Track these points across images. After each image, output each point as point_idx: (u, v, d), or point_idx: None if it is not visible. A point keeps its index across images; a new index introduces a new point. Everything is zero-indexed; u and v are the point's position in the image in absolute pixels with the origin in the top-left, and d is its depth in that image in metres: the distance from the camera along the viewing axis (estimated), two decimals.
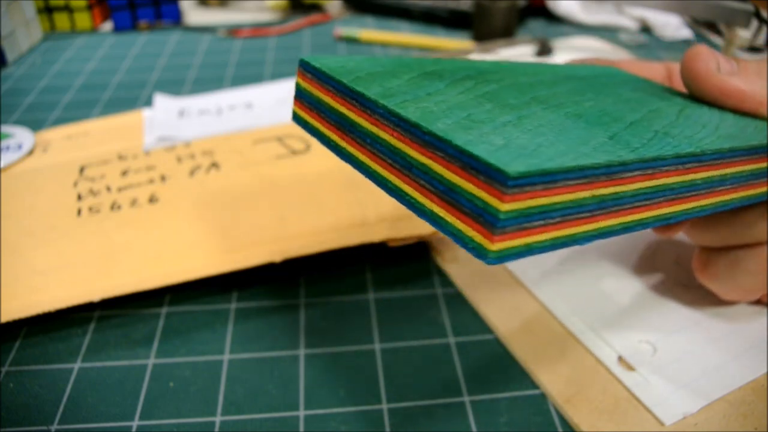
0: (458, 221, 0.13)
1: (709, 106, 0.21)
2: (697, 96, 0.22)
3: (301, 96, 0.19)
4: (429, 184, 0.14)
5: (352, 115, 0.16)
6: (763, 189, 0.20)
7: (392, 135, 0.15)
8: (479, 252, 0.13)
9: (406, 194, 0.15)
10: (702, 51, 0.21)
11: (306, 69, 0.18)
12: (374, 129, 0.15)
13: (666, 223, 0.17)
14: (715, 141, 0.17)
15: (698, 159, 0.16)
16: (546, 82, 0.20)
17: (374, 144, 0.15)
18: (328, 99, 0.17)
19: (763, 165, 0.19)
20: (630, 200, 0.15)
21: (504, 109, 0.16)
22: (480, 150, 0.13)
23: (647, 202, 0.16)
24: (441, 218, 0.14)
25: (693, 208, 0.17)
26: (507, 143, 0.14)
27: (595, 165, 0.14)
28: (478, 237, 0.13)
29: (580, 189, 0.14)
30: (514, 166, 0.12)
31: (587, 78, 0.22)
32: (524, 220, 0.13)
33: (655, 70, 0.26)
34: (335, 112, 0.17)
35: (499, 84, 0.19)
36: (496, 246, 0.13)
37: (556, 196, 0.13)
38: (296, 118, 0.19)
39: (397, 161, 0.15)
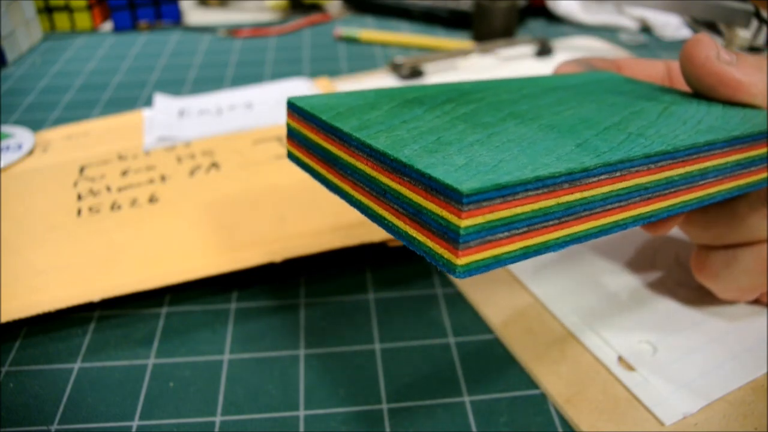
0: (428, 240, 0.14)
1: (698, 101, 0.21)
2: (693, 83, 0.22)
3: (292, 135, 0.19)
4: (401, 207, 0.15)
5: (334, 149, 0.17)
6: (754, 178, 0.19)
7: (366, 164, 0.16)
8: (448, 267, 0.14)
9: (384, 218, 0.16)
10: (703, 38, 0.21)
11: (293, 109, 0.19)
12: (352, 160, 0.16)
13: (648, 222, 0.17)
14: (691, 136, 0.17)
15: (671, 156, 0.16)
16: (530, 95, 0.21)
17: (354, 174, 0.16)
18: (313, 136, 0.18)
19: (751, 154, 0.19)
20: (601, 203, 0.15)
21: (476, 129, 0.17)
22: (438, 172, 0.13)
23: (621, 204, 0.16)
24: (414, 238, 0.15)
25: (675, 204, 0.17)
26: (468, 162, 0.14)
27: (554, 174, 0.14)
28: (446, 254, 0.14)
29: (543, 198, 0.14)
30: (468, 183, 0.13)
31: (575, 87, 0.22)
32: (487, 233, 0.13)
33: (654, 68, 0.26)
34: (320, 147, 0.18)
35: (479, 104, 0.19)
36: (462, 260, 0.13)
37: (518, 208, 0.14)
38: (290, 156, 0.20)
39: (374, 189, 0.16)
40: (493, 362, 0.24)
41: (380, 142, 0.15)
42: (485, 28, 0.56)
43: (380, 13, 0.67)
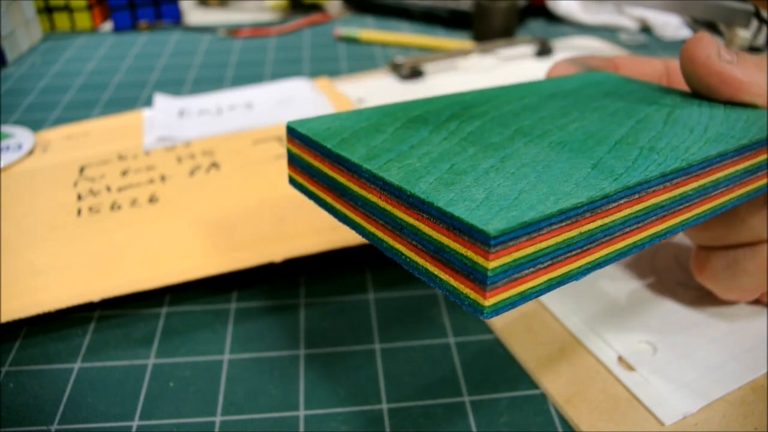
0: (452, 279, 0.14)
1: (699, 102, 0.21)
2: (694, 83, 0.21)
3: (293, 161, 0.19)
4: (420, 244, 0.14)
5: (342, 179, 0.16)
6: (761, 182, 0.19)
7: (380, 198, 0.15)
8: (475, 308, 0.13)
9: (402, 254, 0.15)
10: (704, 37, 0.21)
11: (293, 135, 0.18)
12: (363, 192, 0.16)
13: (665, 238, 0.17)
14: (702, 147, 0.17)
15: (686, 172, 0.16)
16: (531, 106, 0.20)
17: (365, 207, 0.16)
18: (317, 164, 0.17)
19: (757, 160, 0.19)
20: (620, 227, 0.15)
21: (487, 152, 0.16)
22: (460, 210, 0.13)
23: (639, 225, 0.16)
24: (436, 276, 0.14)
25: (689, 218, 0.17)
26: (488, 196, 0.14)
27: (577, 205, 0.14)
28: (472, 294, 0.13)
29: (566, 230, 0.14)
30: (494, 224, 0.12)
31: (573, 92, 0.22)
32: (514, 271, 0.13)
33: (652, 67, 0.26)
34: (326, 176, 0.17)
35: (483, 119, 0.19)
36: (490, 301, 0.13)
37: (542, 242, 0.13)
38: (292, 182, 0.19)
39: (389, 222, 0.15)
40: (493, 362, 0.24)
41: (393, 175, 0.15)
42: (485, 28, 0.56)
43: (380, 13, 0.67)
